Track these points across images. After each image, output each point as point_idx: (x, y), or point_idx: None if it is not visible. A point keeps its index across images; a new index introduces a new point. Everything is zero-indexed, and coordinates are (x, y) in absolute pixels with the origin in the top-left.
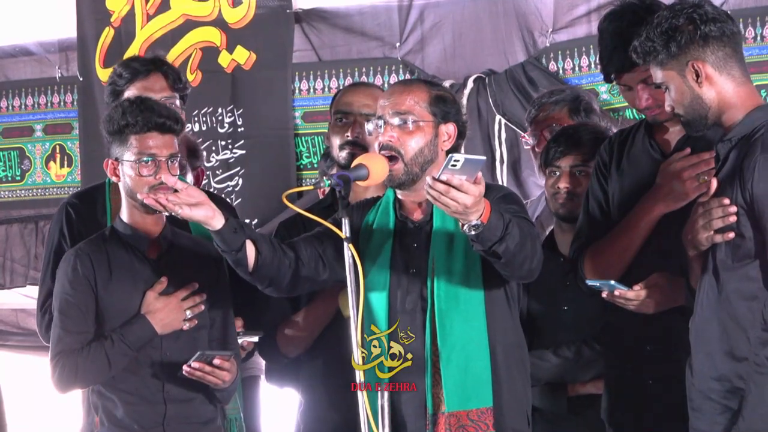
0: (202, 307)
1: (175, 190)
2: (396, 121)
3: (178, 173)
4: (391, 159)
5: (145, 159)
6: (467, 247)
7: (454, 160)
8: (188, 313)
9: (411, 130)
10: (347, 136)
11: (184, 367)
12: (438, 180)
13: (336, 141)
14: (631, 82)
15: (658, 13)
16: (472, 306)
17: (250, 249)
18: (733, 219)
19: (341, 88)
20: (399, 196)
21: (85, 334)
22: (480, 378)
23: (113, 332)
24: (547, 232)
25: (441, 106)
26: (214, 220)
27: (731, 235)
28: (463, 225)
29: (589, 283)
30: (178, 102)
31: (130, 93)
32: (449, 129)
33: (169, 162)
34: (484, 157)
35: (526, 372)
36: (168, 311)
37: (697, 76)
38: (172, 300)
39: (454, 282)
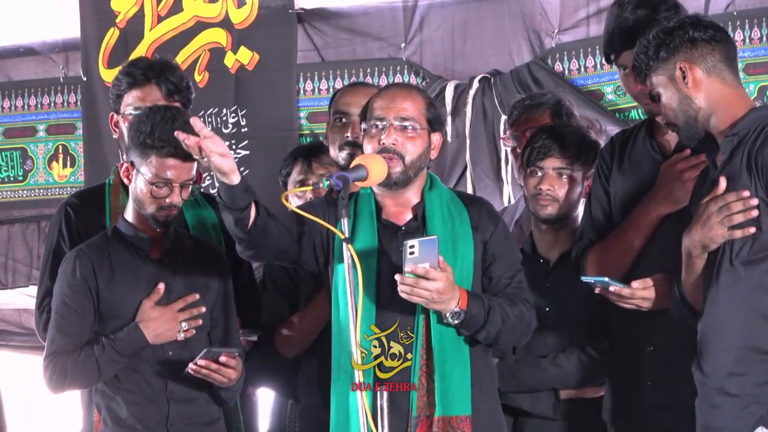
0: (200, 321)
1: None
2: (400, 125)
3: (187, 197)
4: (391, 160)
5: (160, 184)
6: (457, 251)
7: (410, 247)
8: (184, 325)
9: (412, 136)
10: (347, 137)
11: (190, 365)
12: (404, 275)
13: (335, 141)
14: (629, 62)
15: (655, 26)
16: None
17: (252, 209)
18: (755, 213)
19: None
20: (380, 200)
21: (80, 337)
22: (461, 385)
23: (105, 337)
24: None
25: (434, 114)
26: (235, 174)
27: (752, 229)
28: (445, 315)
29: (584, 279)
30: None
31: (128, 99)
32: (437, 139)
33: (183, 187)
34: (435, 236)
35: (494, 377)
36: (163, 321)
37: (684, 77)
38: (168, 311)
39: None
